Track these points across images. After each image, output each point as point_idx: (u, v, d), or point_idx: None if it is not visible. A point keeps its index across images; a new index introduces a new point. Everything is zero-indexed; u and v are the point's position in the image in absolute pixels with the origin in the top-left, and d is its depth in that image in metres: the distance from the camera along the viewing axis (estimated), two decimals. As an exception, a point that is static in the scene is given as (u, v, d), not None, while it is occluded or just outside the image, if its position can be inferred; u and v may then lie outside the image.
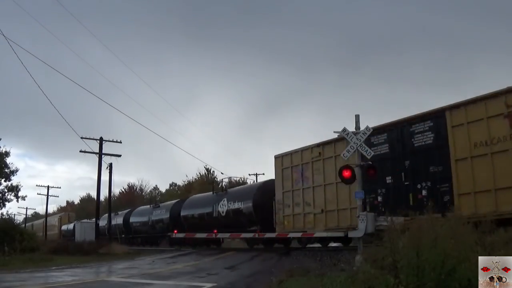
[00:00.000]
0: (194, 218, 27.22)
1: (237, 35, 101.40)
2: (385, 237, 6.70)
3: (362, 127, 12.97)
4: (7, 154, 33.89)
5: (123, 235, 35.34)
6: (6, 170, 33.88)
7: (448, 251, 5.74)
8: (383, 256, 6.49)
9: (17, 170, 34.94)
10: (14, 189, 34.75)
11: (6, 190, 34.59)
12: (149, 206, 35.48)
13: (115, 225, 35.93)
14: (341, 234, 16.49)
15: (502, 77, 75.94)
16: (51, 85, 40.74)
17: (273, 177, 20.90)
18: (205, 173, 52.12)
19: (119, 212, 39.04)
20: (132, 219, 36.32)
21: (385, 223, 11.17)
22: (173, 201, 32.70)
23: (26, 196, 36.30)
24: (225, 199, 24.47)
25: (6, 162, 33.77)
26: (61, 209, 77.35)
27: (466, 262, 5.67)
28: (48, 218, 56.01)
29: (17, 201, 35.44)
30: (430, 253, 5.83)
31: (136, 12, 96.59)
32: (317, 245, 20.11)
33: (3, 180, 34.09)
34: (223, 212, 24.23)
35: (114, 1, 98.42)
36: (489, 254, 5.39)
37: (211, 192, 27.05)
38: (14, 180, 35.71)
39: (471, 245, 6.01)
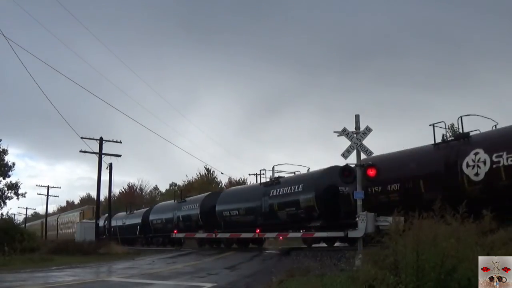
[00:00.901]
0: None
1: (237, 38, 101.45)
2: (386, 237, 6.70)
3: (362, 127, 13.00)
4: (4, 152, 34.03)
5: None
6: (5, 168, 34.03)
7: (448, 251, 5.74)
8: (384, 256, 6.49)
9: (14, 163, 34.98)
10: (14, 187, 34.88)
11: (5, 188, 34.74)
12: None
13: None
14: (341, 234, 16.43)
15: (503, 78, 76.00)
16: (51, 85, 40.76)
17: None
18: (205, 173, 52.13)
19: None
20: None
21: (385, 223, 11.21)
22: None
23: (26, 193, 36.42)
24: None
25: (4, 160, 33.90)
26: (61, 209, 77.21)
27: (465, 261, 5.66)
28: (63, 214, 54.25)
29: (17, 198, 35.58)
30: (430, 253, 5.82)
31: (136, 15, 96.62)
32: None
33: (1, 178, 34.26)
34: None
35: (115, 4, 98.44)
36: (488, 254, 5.39)
37: None
38: (13, 178, 35.97)
39: (472, 245, 5.99)
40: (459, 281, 5.63)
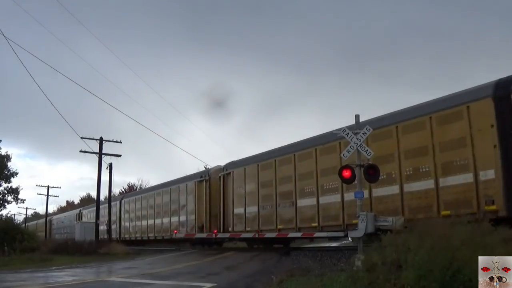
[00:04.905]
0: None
1: (238, 37, 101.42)
2: (387, 237, 6.68)
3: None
4: (8, 157, 34.45)
5: None
6: (6, 172, 34.35)
7: (455, 254, 5.70)
8: (386, 256, 6.47)
9: (17, 173, 35.44)
10: (14, 191, 35.23)
11: (6, 192, 35.08)
12: None
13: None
14: (341, 234, 16.41)
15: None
16: (51, 85, 40.96)
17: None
18: (205, 173, 51.99)
19: None
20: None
21: (386, 223, 11.19)
22: None
23: (25, 200, 36.97)
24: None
25: (6, 165, 34.30)
26: (61, 209, 77.09)
27: (473, 263, 5.61)
28: (86, 208, 53.10)
29: (17, 203, 35.94)
30: (440, 255, 5.78)
31: (137, 14, 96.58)
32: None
33: (3, 181, 34.61)
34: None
35: (115, 3, 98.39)
36: (490, 255, 5.37)
37: None
38: (14, 183, 36.33)
39: (482, 247, 5.94)
40: (464, 282, 5.58)
